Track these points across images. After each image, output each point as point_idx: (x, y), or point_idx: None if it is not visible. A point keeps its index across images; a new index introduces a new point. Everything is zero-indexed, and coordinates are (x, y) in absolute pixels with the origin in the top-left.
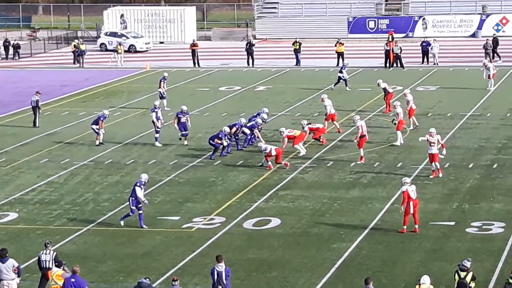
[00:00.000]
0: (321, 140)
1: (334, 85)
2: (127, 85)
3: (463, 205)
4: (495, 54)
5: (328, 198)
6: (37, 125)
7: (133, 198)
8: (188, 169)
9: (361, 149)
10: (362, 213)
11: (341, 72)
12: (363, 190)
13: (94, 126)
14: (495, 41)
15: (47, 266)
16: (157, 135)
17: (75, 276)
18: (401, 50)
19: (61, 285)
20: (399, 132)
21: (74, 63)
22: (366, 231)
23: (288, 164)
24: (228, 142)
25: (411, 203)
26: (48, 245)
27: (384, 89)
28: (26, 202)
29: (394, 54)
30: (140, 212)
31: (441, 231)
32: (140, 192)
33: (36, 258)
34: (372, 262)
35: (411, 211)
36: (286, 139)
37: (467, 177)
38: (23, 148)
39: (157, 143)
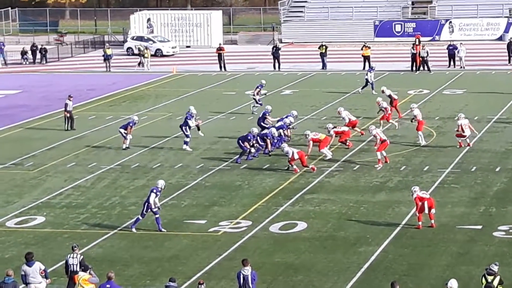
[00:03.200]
0: (347, 143)
1: (362, 89)
2: (153, 89)
3: (490, 209)
4: None
5: (355, 202)
6: (67, 128)
7: (147, 204)
8: (214, 173)
9: (378, 153)
10: (389, 217)
11: (367, 74)
12: (389, 193)
13: (122, 130)
14: None
15: (74, 269)
16: (187, 140)
17: (110, 282)
18: (427, 54)
19: None
20: (420, 133)
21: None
22: (393, 234)
23: (315, 168)
24: (258, 147)
25: (425, 202)
26: (75, 248)
27: (389, 95)
28: (53, 206)
29: (421, 58)
30: (157, 216)
31: (468, 235)
32: (153, 199)
33: (64, 261)
34: (399, 266)
35: (426, 210)
36: (311, 142)
37: (494, 180)
38: (50, 152)
39: (187, 148)
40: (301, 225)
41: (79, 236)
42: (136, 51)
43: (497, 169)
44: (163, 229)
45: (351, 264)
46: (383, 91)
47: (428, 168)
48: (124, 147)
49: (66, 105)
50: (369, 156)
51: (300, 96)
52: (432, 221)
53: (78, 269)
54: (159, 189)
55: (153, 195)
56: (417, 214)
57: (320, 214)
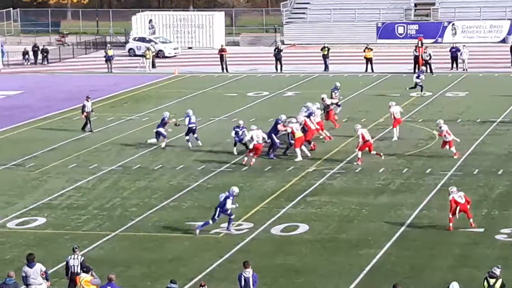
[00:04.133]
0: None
1: (409, 88)
2: (155, 90)
3: (492, 212)
4: None
5: (357, 204)
6: (87, 130)
7: (220, 209)
8: (216, 175)
9: (359, 152)
10: (391, 219)
11: (418, 77)
12: (391, 196)
13: (162, 129)
14: None
15: (75, 271)
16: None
17: (111, 284)
18: (430, 56)
19: None
20: (394, 129)
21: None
22: (395, 237)
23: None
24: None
25: (458, 207)
26: (76, 249)
27: (328, 105)
28: (54, 207)
29: (423, 60)
30: (232, 217)
31: (471, 238)
32: (229, 205)
33: (64, 263)
34: (401, 268)
35: (457, 214)
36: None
37: (497, 183)
38: (51, 153)
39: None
40: (303, 227)
41: (80, 238)
42: (139, 52)
43: (500, 172)
44: (232, 230)
45: (353, 266)
46: (323, 99)
47: (430, 171)
48: (163, 145)
49: (84, 106)
50: (372, 158)
51: (302, 98)
52: (471, 220)
53: (79, 271)
54: (233, 194)
55: (229, 201)
56: (450, 215)
57: (322, 216)
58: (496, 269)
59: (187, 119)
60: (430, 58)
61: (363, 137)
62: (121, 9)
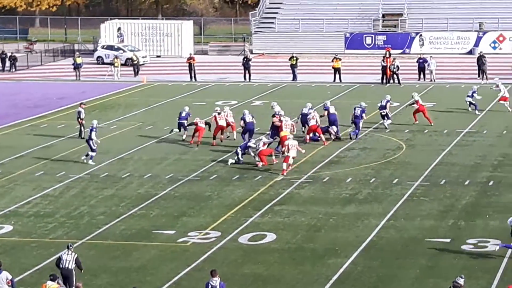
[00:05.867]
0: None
1: (470, 104)
2: (123, 98)
3: (459, 222)
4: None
5: (324, 214)
6: (82, 136)
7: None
8: (184, 183)
9: (307, 135)
10: (358, 229)
11: (471, 96)
12: (359, 206)
13: (185, 122)
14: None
15: (66, 266)
16: (93, 153)
17: None
18: (398, 68)
19: None
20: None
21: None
22: (362, 247)
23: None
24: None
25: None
26: (70, 247)
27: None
28: (21, 214)
29: (391, 71)
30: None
31: (437, 248)
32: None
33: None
34: (368, 278)
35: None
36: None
37: (463, 194)
38: (18, 161)
39: (90, 161)
40: (270, 237)
41: (47, 246)
42: (107, 60)
43: (466, 183)
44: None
45: (320, 276)
46: (272, 107)
47: (398, 181)
48: (184, 137)
49: (79, 113)
50: (339, 168)
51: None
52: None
53: (70, 267)
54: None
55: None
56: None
57: (289, 225)
58: (460, 279)
59: (246, 117)
60: (398, 70)
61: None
62: (89, 17)
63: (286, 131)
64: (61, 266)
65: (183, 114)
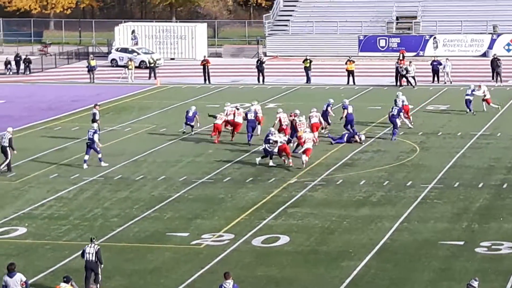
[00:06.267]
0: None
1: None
2: (137, 101)
3: (472, 225)
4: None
5: (337, 216)
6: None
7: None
8: (197, 186)
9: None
10: (371, 232)
11: (471, 95)
12: (372, 208)
13: (192, 123)
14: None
15: (90, 259)
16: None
17: None
18: (407, 71)
19: None
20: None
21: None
22: (375, 249)
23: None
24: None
25: None
26: (94, 239)
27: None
28: (35, 217)
29: (400, 75)
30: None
31: (450, 251)
32: None
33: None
34: (381, 281)
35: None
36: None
37: (477, 196)
38: (32, 163)
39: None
40: (284, 239)
41: (61, 248)
42: (121, 63)
43: (480, 185)
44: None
45: (333, 278)
46: (237, 108)
47: (411, 184)
48: (193, 133)
49: (94, 114)
50: (352, 171)
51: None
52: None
53: (93, 259)
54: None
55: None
56: None
57: (303, 228)
58: (474, 282)
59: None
60: (407, 72)
61: (280, 121)
62: (104, 19)
63: (301, 130)
64: (85, 258)
65: (190, 114)
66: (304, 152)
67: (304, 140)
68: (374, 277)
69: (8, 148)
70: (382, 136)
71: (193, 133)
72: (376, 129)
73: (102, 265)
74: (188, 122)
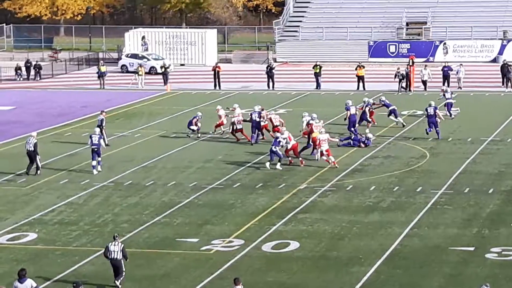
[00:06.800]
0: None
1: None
2: (147, 106)
3: (483, 231)
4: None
5: (347, 222)
6: (106, 143)
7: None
8: (207, 191)
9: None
10: (381, 237)
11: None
12: (382, 214)
13: (192, 127)
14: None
15: (115, 257)
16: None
17: None
18: (403, 77)
19: None
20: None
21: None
22: (385, 255)
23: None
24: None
25: None
26: (117, 237)
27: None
28: (45, 222)
29: (401, 76)
30: None
31: (461, 257)
32: None
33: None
34: (391, 287)
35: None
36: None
37: (487, 202)
38: (43, 169)
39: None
40: (294, 245)
41: (71, 253)
42: (131, 69)
43: (490, 191)
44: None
45: (343, 284)
46: (217, 110)
47: (421, 189)
48: (199, 135)
49: (102, 120)
50: (362, 177)
51: (294, 116)
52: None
53: (119, 257)
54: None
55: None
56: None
57: (313, 233)
58: (485, 287)
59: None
60: (403, 78)
61: (271, 121)
62: (114, 25)
63: (317, 132)
64: (109, 257)
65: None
66: (323, 154)
67: (319, 142)
68: (384, 283)
69: (33, 153)
70: (392, 142)
71: (199, 135)
72: (385, 135)
73: (127, 260)
74: (190, 126)
